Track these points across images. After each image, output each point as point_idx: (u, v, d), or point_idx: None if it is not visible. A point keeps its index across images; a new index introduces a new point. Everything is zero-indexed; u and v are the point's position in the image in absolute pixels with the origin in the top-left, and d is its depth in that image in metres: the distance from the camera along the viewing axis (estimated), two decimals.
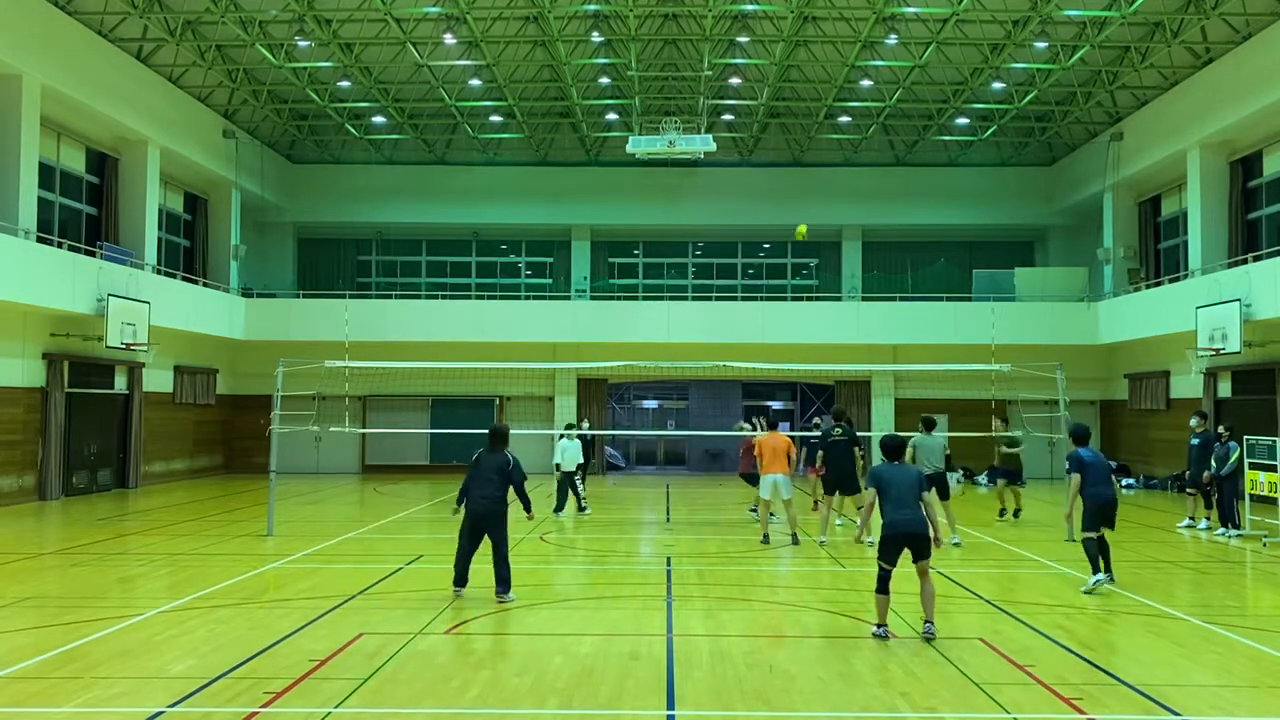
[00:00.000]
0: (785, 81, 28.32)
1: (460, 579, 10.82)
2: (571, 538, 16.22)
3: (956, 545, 14.80)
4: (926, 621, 8.98)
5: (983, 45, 24.85)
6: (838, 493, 15.74)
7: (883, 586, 8.96)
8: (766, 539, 15.19)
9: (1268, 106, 21.83)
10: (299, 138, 32.62)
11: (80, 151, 24.07)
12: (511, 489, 10.76)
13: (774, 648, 8.72)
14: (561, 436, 19.08)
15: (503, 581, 10.68)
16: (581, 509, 19.01)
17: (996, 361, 18.82)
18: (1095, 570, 11.40)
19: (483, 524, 10.68)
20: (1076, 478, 11.56)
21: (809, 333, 29.38)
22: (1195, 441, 17.34)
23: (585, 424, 23.45)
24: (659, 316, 29.80)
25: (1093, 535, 11.54)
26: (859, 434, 17.45)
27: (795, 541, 14.94)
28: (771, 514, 16.02)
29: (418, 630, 9.19)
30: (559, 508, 18.63)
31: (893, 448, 9.40)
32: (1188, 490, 17.93)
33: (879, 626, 9.02)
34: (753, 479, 17.47)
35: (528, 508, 11.12)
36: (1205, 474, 16.71)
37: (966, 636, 9.08)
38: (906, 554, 8.92)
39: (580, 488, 19.05)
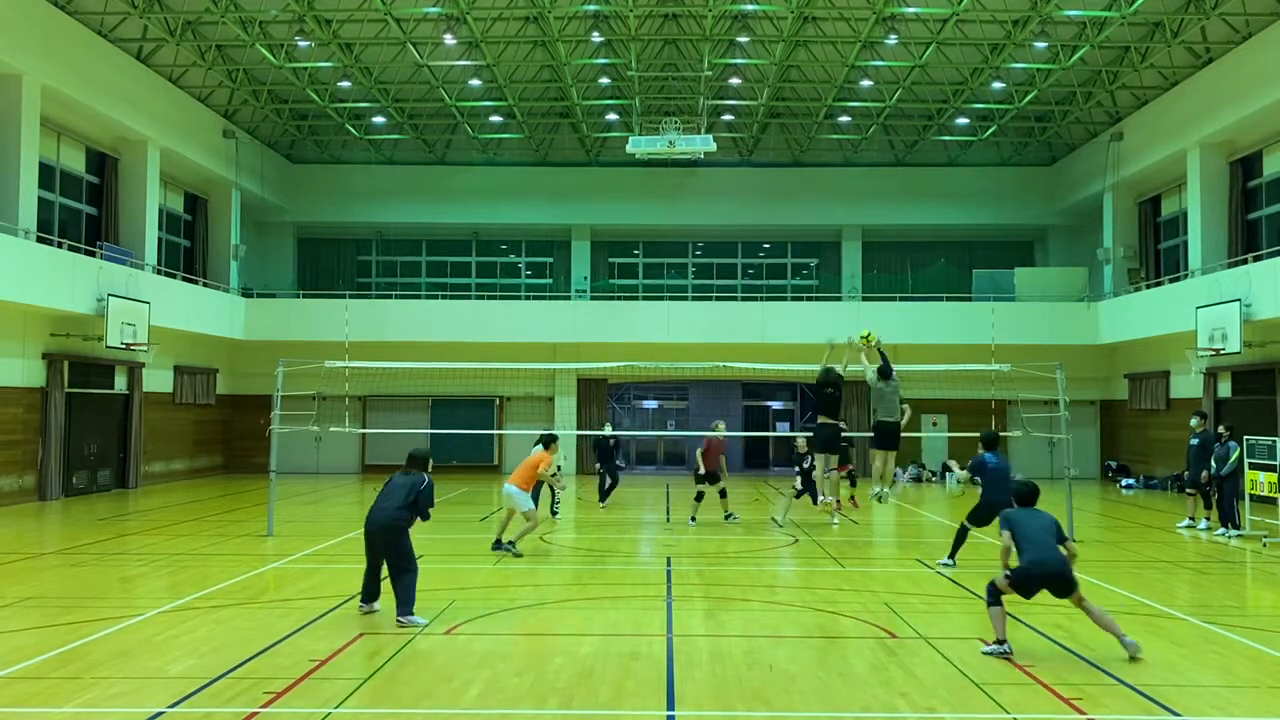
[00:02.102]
0: (785, 81, 28.31)
1: (366, 595, 9.90)
2: (572, 538, 16.22)
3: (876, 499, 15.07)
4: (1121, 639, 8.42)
5: (983, 45, 24.86)
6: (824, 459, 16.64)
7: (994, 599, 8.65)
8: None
9: (1268, 106, 21.83)
10: (299, 138, 32.62)
11: (80, 151, 24.07)
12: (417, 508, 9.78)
13: (774, 648, 8.72)
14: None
15: (400, 601, 9.50)
16: (553, 512, 18.57)
17: (996, 361, 18.81)
18: (952, 555, 13.01)
19: (375, 538, 9.67)
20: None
21: (809, 333, 29.26)
22: (1195, 442, 17.34)
23: (608, 426, 23.14)
24: (659, 316, 29.80)
25: (967, 526, 12.91)
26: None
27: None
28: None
29: (418, 630, 9.18)
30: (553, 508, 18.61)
31: (1026, 494, 9.27)
32: (1187, 490, 17.94)
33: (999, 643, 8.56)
34: (713, 478, 18.24)
35: (425, 517, 9.96)
36: (1204, 474, 16.72)
37: (966, 636, 9.08)
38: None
39: (556, 494, 18.18)
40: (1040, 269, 32.49)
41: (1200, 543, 15.92)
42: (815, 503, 18.25)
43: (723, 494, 18.31)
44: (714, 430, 18.82)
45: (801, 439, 18.94)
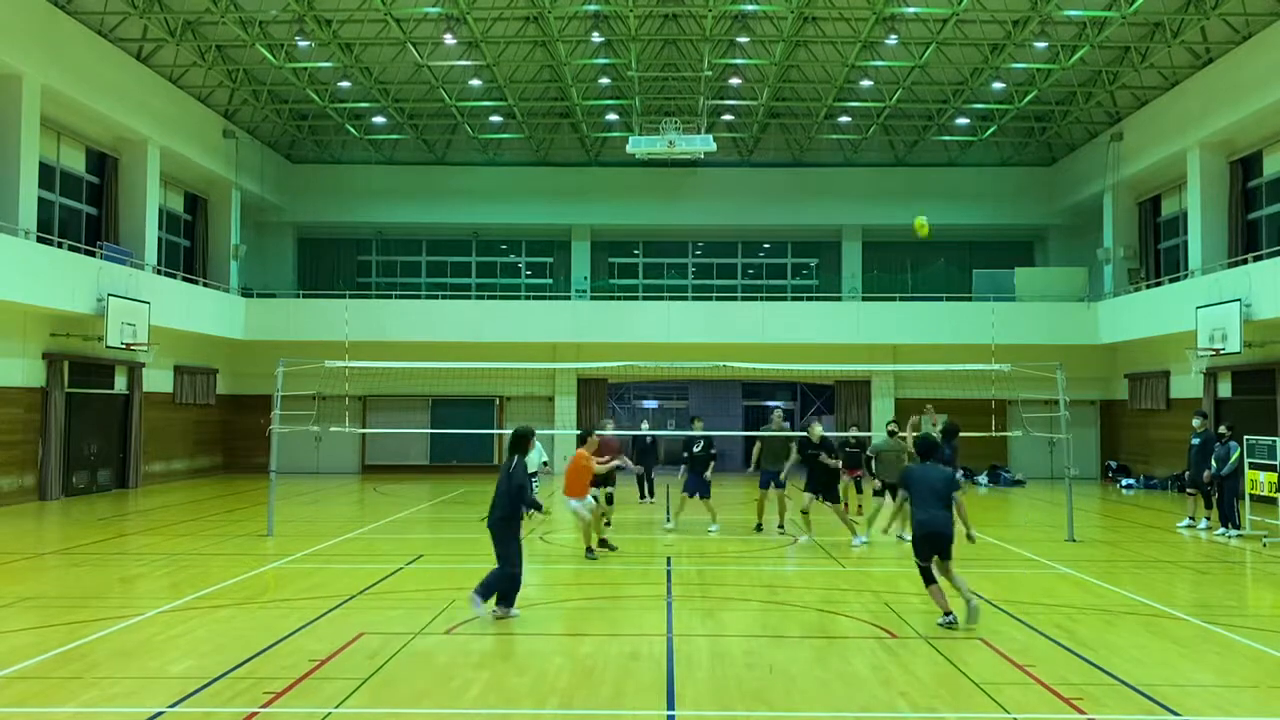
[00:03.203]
0: (785, 81, 28.32)
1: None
2: (571, 537, 16.21)
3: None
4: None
5: (983, 45, 24.86)
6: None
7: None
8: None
9: (1268, 106, 21.83)
10: (299, 138, 32.62)
11: (80, 151, 24.07)
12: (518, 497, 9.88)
13: (774, 648, 8.72)
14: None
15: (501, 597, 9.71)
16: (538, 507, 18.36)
17: (996, 361, 18.80)
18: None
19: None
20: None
21: (809, 333, 29.38)
22: (1196, 441, 17.34)
23: (644, 424, 23.02)
24: (659, 316, 29.80)
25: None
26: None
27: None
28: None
29: (418, 630, 9.19)
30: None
31: (925, 448, 9.89)
32: (1188, 490, 17.94)
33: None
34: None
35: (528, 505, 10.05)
36: (1205, 473, 16.73)
37: (966, 636, 9.08)
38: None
39: (533, 490, 18.05)
40: (1040, 269, 32.49)
41: (1200, 543, 15.93)
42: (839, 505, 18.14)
43: (609, 500, 16.73)
44: (602, 429, 18.24)
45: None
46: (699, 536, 16.14)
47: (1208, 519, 17.17)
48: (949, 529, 9.34)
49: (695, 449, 16.61)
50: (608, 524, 16.93)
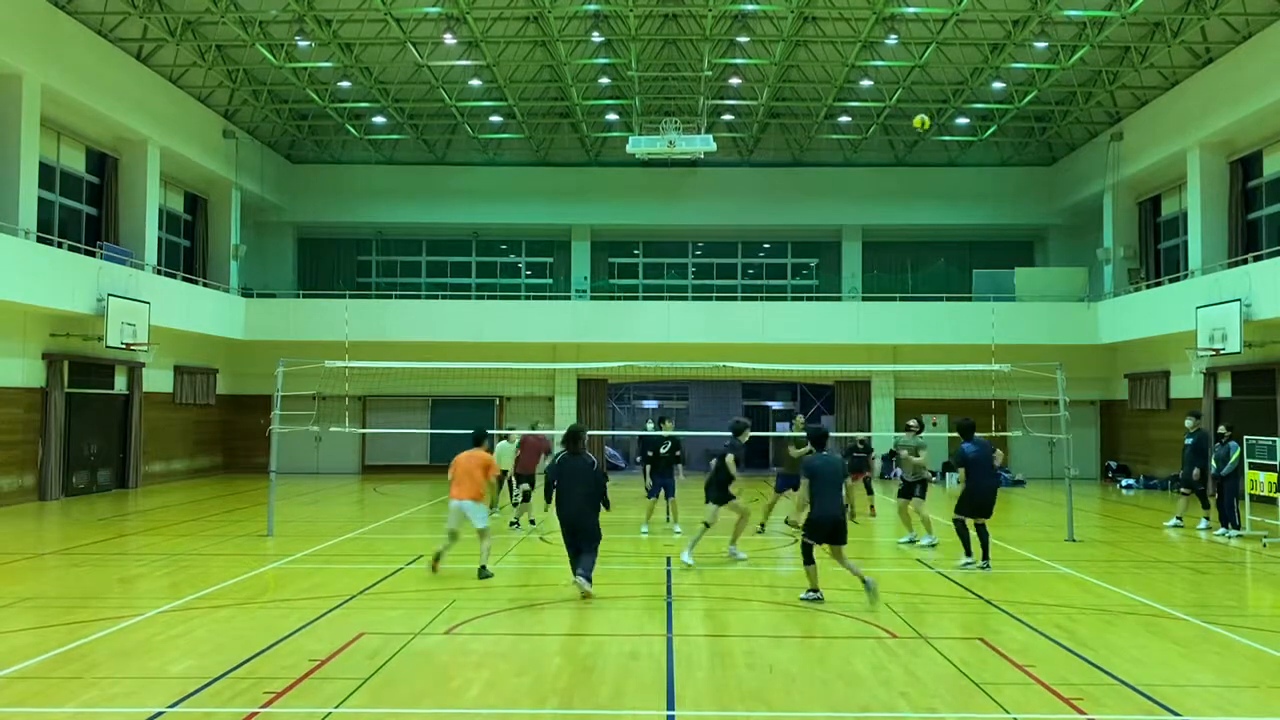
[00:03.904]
0: (785, 81, 28.31)
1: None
2: None
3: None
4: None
5: (983, 45, 24.85)
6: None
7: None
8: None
9: (1268, 106, 21.83)
10: (299, 138, 32.62)
11: (80, 151, 24.07)
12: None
13: (774, 648, 8.72)
14: (501, 439, 18.20)
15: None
16: (512, 517, 17.23)
17: (996, 361, 18.79)
18: (967, 552, 12.88)
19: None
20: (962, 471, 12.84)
21: (809, 333, 29.38)
22: (1189, 441, 17.35)
23: (668, 424, 22.40)
24: (659, 316, 29.80)
25: (962, 519, 12.86)
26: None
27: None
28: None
29: (418, 630, 9.19)
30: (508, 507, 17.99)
31: (819, 437, 10.83)
32: (1181, 490, 17.90)
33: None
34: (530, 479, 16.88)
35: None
36: (1195, 472, 16.80)
37: (966, 636, 9.09)
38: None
39: (515, 493, 17.53)
40: (1040, 269, 32.49)
41: (1200, 543, 15.92)
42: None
43: (526, 497, 16.86)
44: (531, 428, 18.03)
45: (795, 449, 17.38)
46: (662, 537, 16.09)
47: (1206, 519, 17.17)
48: (844, 514, 10.58)
49: (663, 449, 16.57)
50: (532, 522, 17.01)
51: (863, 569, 10.62)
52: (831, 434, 15.93)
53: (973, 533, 12.89)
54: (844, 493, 10.61)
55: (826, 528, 10.35)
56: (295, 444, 25.28)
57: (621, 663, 8.08)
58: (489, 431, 13.06)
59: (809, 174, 33.48)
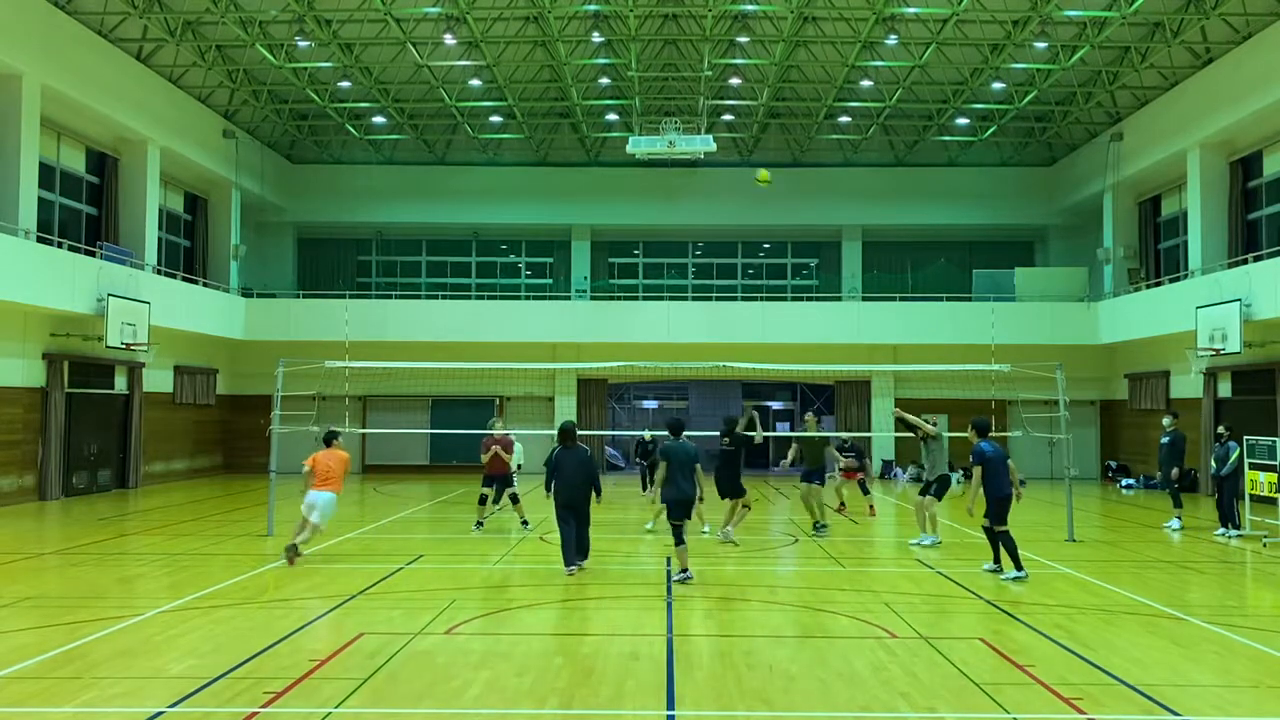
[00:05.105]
0: (785, 81, 28.32)
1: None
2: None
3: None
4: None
5: (983, 45, 24.86)
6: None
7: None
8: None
9: (1268, 106, 21.84)
10: (299, 138, 32.62)
11: (80, 151, 24.08)
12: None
13: (774, 648, 8.72)
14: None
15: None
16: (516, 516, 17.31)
17: (996, 361, 18.80)
18: (1018, 566, 12.15)
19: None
20: (979, 469, 12.31)
21: (809, 333, 29.40)
22: (1165, 441, 17.31)
23: (645, 429, 21.46)
24: (659, 316, 29.81)
25: (989, 526, 12.43)
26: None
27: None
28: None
29: (418, 630, 9.18)
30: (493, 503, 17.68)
31: (677, 426, 12.40)
32: (1172, 488, 17.67)
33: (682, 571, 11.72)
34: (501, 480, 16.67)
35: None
36: (1174, 471, 16.91)
37: (966, 636, 9.09)
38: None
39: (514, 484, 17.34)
40: (1040, 269, 32.50)
41: (1200, 543, 15.91)
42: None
43: (514, 499, 16.76)
44: (490, 428, 17.52)
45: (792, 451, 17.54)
46: (693, 537, 16.11)
47: (1179, 518, 17.18)
48: (694, 494, 12.07)
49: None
50: (525, 523, 16.90)
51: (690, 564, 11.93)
52: (831, 434, 16.00)
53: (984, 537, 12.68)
54: (698, 476, 12.12)
55: (686, 505, 12.08)
56: (295, 444, 25.15)
57: (621, 663, 8.08)
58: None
59: (809, 174, 33.48)
